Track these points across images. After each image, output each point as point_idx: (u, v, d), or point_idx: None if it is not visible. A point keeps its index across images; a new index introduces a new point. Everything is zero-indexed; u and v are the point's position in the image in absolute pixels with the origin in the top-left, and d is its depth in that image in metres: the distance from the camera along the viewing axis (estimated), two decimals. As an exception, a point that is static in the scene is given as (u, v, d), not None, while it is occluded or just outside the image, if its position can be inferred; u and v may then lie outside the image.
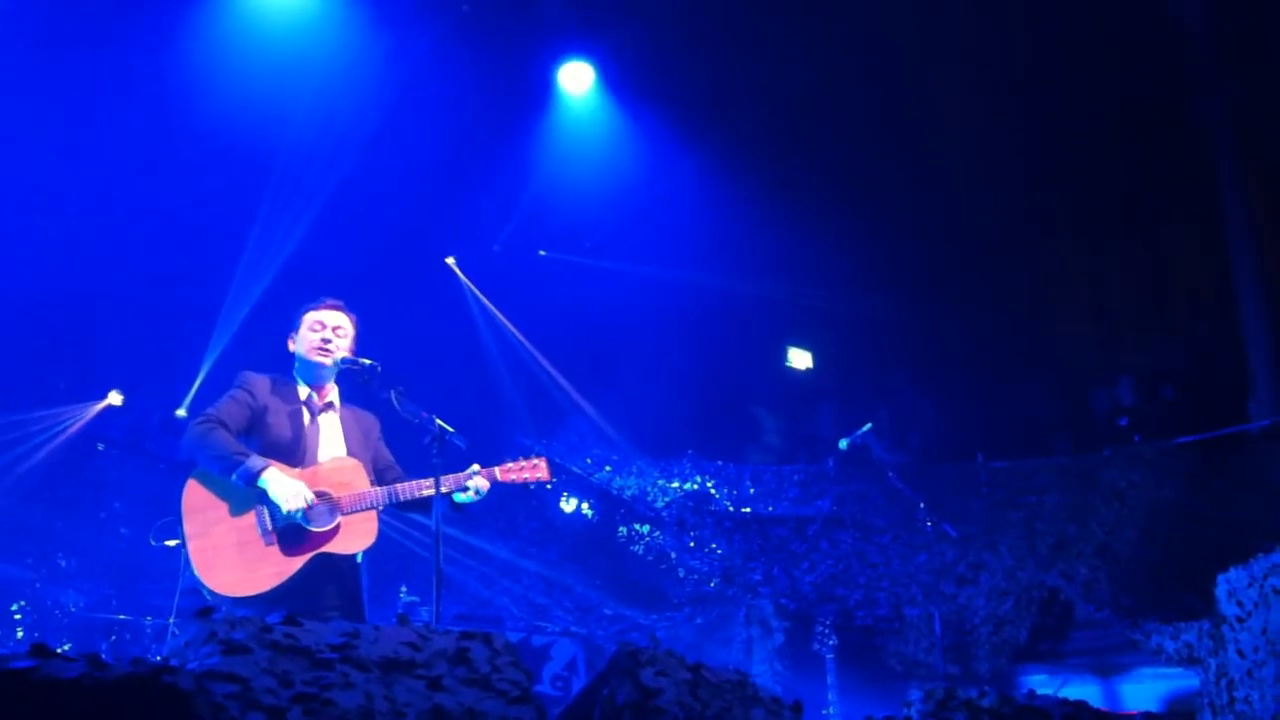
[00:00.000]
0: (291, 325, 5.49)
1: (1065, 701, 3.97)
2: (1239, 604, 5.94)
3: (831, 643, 8.23)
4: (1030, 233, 13.42)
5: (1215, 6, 11.55)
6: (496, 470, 5.44)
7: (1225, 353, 11.58)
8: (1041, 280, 13.79)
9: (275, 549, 4.91)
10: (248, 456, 4.92)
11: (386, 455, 5.57)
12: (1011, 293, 13.31)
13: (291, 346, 5.47)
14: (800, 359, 14.35)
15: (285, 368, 5.46)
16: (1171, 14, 11.67)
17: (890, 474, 9.02)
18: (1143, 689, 8.77)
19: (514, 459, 5.57)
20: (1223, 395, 11.21)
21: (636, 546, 11.16)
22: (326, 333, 5.39)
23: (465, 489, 5.31)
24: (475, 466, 5.38)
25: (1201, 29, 11.69)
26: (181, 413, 10.57)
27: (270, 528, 4.92)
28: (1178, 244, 13.09)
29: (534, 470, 5.52)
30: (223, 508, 4.96)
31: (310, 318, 5.44)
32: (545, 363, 12.62)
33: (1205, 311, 12.38)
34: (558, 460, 11.49)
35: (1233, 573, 6.02)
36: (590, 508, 11.65)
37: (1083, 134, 12.29)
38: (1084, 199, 12.95)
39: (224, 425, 5.03)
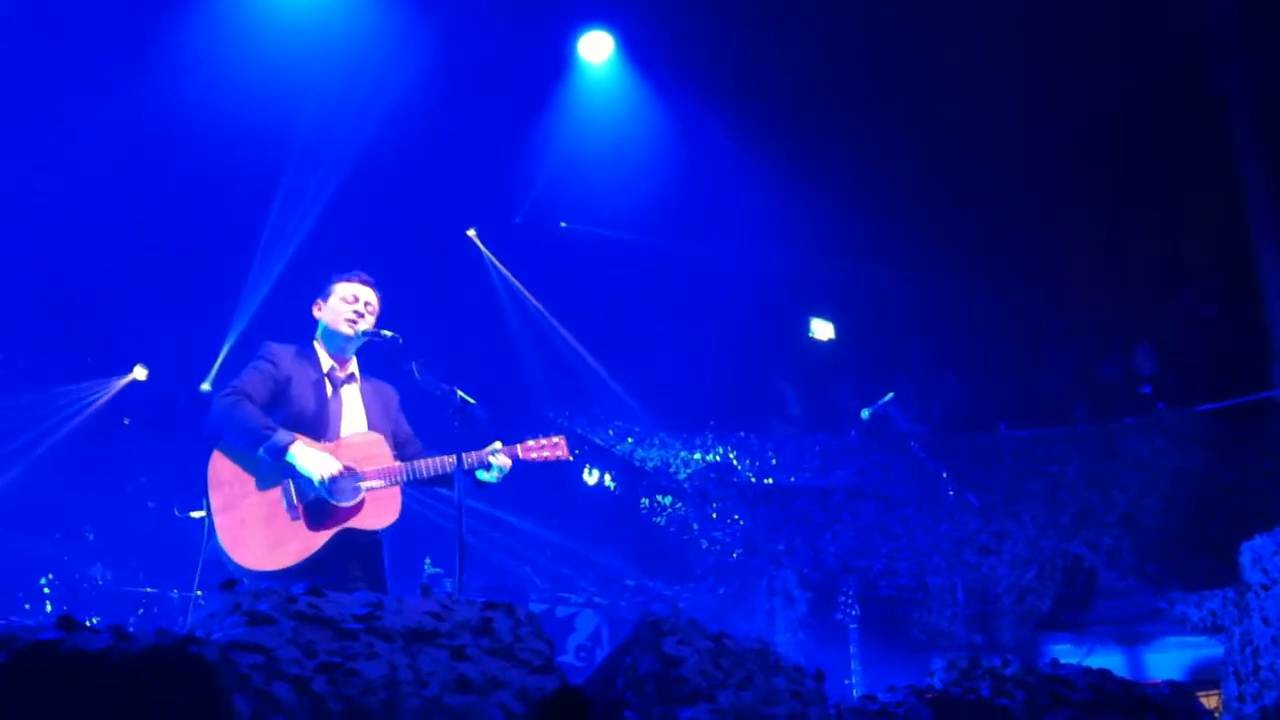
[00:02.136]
0: (320, 292, 5.51)
1: (1089, 670, 3.98)
2: (1264, 571, 5.93)
3: (854, 613, 8.23)
4: (1049, 203, 13.33)
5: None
6: (518, 448, 5.46)
7: (1247, 320, 11.50)
8: (1061, 250, 13.71)
9: (301, 524, 4.94)
10: (274, 430, 4.94)
11: (406, 428, 5.59)
12: (1031, 263, 13.24)
13: (317, 313, 5.49)
14: (823, 330, 14.30)
15: (308, 339, 5.48)
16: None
17: (912, 444, 9.00)
18: (1167, 658, 8.75)
19: (535, 433, 5.59)
20: (1245, 363, 11.14)
21: (659, 518, 11.18)
22: (359, 306, 5.43)
23: (488, 466, 5.33)
24: (497, 444, 5.40)
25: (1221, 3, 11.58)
26: (206, 386, 10.62)
27: (296, 502, 4.94)
28: (1198, 211, 12.99)
29: (554, 449, 5.55)
30: (249, 482, 4.98)
31: (343, 289, 5.47)
32: (567, 334, 12.62)
33: (1226, 278, 12.29)
34: (580, 432, 11.51)
35: (1257, 540, 6.01)
36: (613, 479, 11.67)
37: (1102, 104, 12.19)
38: (1102, 169, 12.85)
39: (249, 398, 5.05)
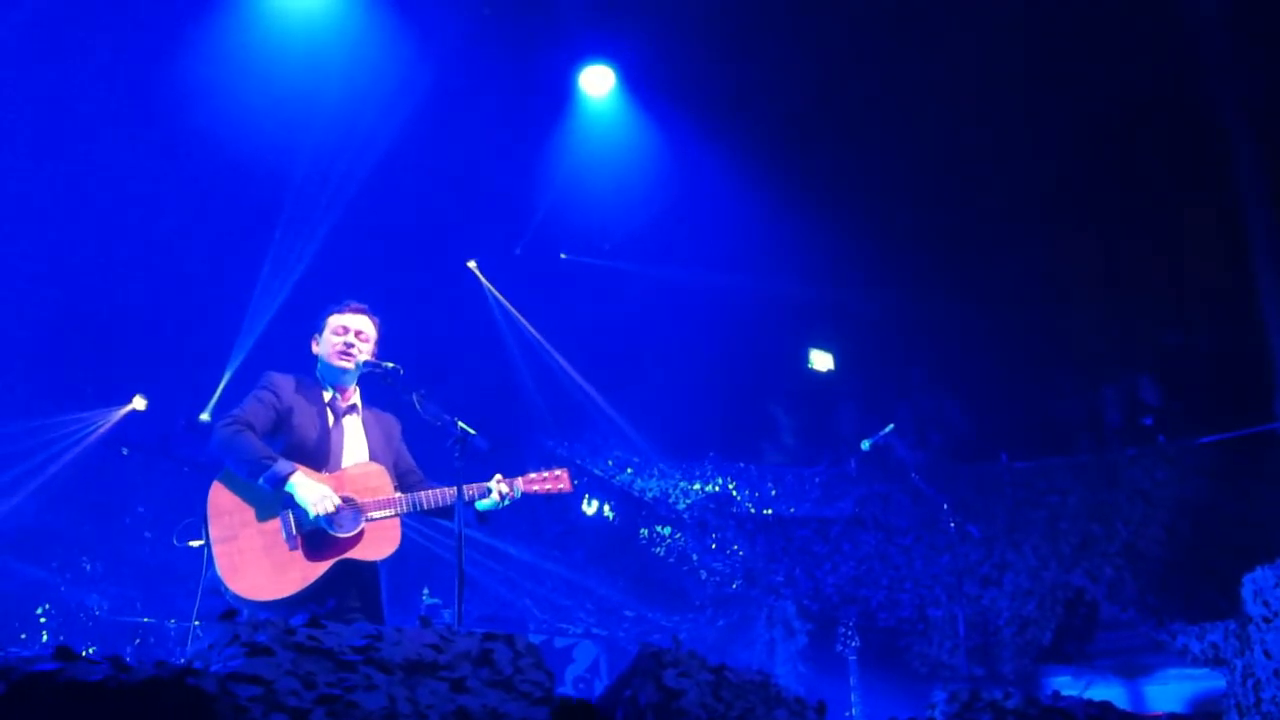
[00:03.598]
0: (315, 327, 5.51)
1: (1090, 702, 3.95)
2: (1265, 604, 5.90)
3: (854, 644, 8.20)
4: (1049, 228, 13.35)
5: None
6: (519, 481, 5.46)
7: (1249, 350, 11.49)
8: (1061, 277, 13.71)
9: (300, 554, 4.93)
10: (275, 460, 4.94)
11: (408, 458, 5.59)
12: (1031, 290, 13.24)
13: (315, 348, 5.49)
14: (822, 360, 14.31)
15: (308, 370, 5.48)
16: (1185, 2, 11.56)
17: (913, 474, 8.99)
18: (1168, 690, 8.72)
19: (536, 463, 5.61)
20: (1248, 393, 11.12)
21: (658, 548, 11.15)
22: (349, 337, 5.41)
23: (488, 492, 5.34)
24: (498, 477, 5.41)
25: (1219, 18, 11.58)
26: (205, 417, 10.61)
27: (295, 532, 4.93)
28: (1198, 239, 12.99)
29: (556, 481, 5.56)
30: (249, 511, 4.98)
31: (334, 321, 5.46)
32: (567, 365, 12.62)
33: (1227, 308, 12.27)
34: (579, 462, 11.50)
35: (1259, 572, 5.98)
36: (612, 510, 11.64)
37: (1101, 127, 12.21)
38: (1103, 193, 12.87)
39: (250, 427, 5.05)
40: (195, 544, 6.18)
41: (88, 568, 9.51)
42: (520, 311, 12.65)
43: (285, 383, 5.30)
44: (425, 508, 5.22)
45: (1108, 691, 8.67)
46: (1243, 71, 11.60)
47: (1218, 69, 11.77)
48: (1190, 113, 11.99)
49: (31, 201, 9.59)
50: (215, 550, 4.90)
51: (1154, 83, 11.76)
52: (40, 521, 9.49)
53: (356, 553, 5.02)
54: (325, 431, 5.26)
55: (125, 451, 10.51)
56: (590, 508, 11.63)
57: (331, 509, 4.92)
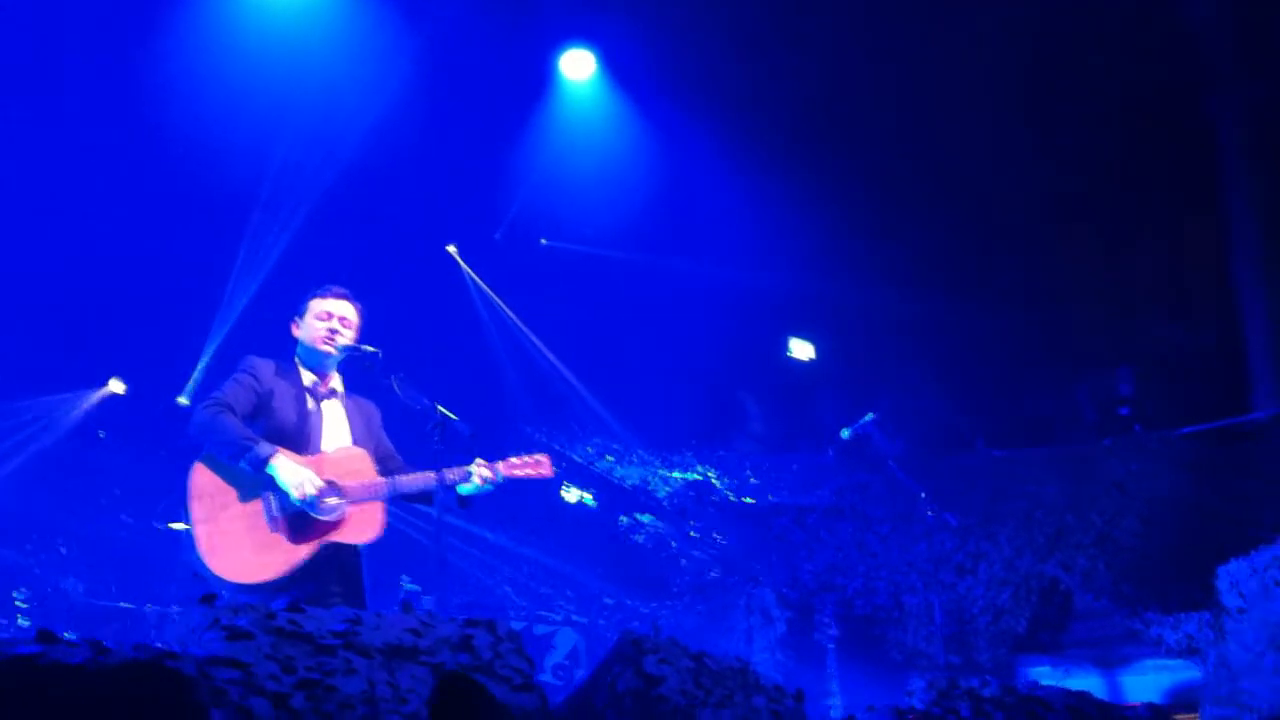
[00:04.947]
0: (296, 310, 5.48)
1: (1069, 692, 3.98)
2: (1240, 595, 5.94)
3: (832, 632, 8.23)
4: (1034, 225, 13.38)
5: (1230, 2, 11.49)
6: (501, 465, 5.43)
7: (1228, 344, 11.55)
8: (1044, 272, 13.75)
9: (282, 536, 4.91)
10: (256, 442, 4.93)
11: (387, 444, 5.57)
12: (1013, 284, 13.27)
13: (296, 332, 5.47)
14: (802, 350, 14.30)
15: (287, 354, 5.46)
16: (1184, 10, 11.60)
17: (891, 463, 9.01)
18: (1145, 680, 8.76)
19: (516, 449, 5.57)
20: (1225, 386, 11.18)
21: (638, 536, 11.16)
22: (333, 323, 5.39)
23: (469, 476, 5.31)
24: (479, 461, 5.38)
25: (1215, 24, 11.63)
26: (183, 400, 10.56)
27: (277, 515, 4.92)
28: (1176, 236, 13.04)
29: (537, 466, 5.54)
30: (230, 493, 4.95)
31: (317, 306, 5.43)
32: (546, 351, 12.59)
33: (1208, 302, 12.34)
34: (559, 449, 11.49)
35: (1234, 564, 6.03)
36: (592, 497, 11.64)
37: (1091, 128, 12.24)
38: (1089, 193, 12.90)
39: (231, 409, 5.03)
40: (179, 526, 6.16)
41: (64, 551, 9.44)
42: (500, 297, 12.62)
43: (265, 366, 5.28)
44: (407, 491, 5.21)
45: (1083, 682, 8.71)
46: (1239, 82, 11.66)
47: (1213, 80, 11.82)
48: (1184, 120, 12.04)
49: (6, 184, 9.52)
50: (196, 532, 4.88)
51: (1153, 83, 11.80)
52: (17, 504, 9.44)
53: (339, 536, 5.01)
54: (305, 415, 5.24)
55: (102, 434, 10.45)
56: (570, 495, 11.62)
57: (313, 492, 4.90)
